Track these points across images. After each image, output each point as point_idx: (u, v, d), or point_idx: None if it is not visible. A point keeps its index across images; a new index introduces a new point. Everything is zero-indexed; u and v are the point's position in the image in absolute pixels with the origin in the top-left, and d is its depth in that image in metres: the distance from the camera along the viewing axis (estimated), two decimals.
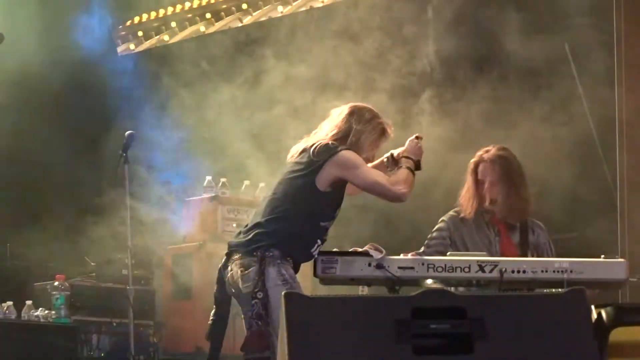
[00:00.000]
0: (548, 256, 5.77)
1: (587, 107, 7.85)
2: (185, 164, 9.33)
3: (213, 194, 9.03)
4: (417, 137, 5.52)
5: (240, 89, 8.99)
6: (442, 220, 5.88)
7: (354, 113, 5.45)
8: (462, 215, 5.82)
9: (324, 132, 5.45)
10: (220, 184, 9.09)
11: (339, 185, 5.37)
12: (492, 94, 8.13)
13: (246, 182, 9.12)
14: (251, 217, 5.51)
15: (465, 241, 5.76)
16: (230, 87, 8.97)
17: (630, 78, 7.40)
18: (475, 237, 5.78)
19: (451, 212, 5.89)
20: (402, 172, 5.39)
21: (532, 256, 5.73)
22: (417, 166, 5.45)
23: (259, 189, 8.68)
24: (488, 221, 5.82)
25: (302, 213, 5.31)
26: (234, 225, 8.79)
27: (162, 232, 8.99)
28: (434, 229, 5.87)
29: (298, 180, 5.33)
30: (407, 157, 5.45)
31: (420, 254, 5.55)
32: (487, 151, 5.85)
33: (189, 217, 9.06)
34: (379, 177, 5.35)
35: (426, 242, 5.83)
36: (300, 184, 5.32)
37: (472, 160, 5.86)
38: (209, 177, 9.11)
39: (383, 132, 5.48)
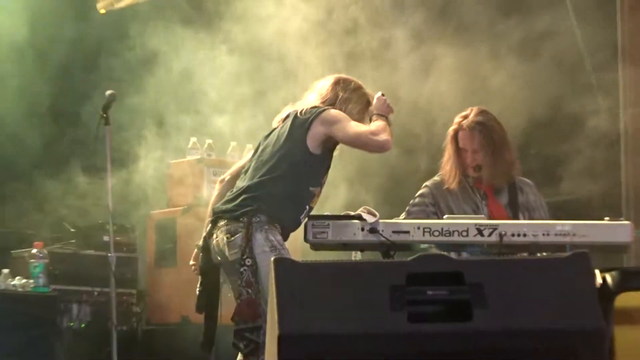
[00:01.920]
0: (540, 214, 5.69)
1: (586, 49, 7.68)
2: (169, 125, 9.23)
3: (198, 156, 9.00)
4: (382, 95, 5.48)
5: (226, 47, 8.86)
6: (425, 186, 5.78)
7: (339, 82, 5.49)
8: (445, 186, 5.72)
9: (308, 102, 5.44)
10: (206, 145, 9.05)
11: (328, 148, 5.36)
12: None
13: (233, 144, 9.05)
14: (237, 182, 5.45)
15: (451, 207, 5.65)
16: (216, 46, 8.84)
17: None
18: (461, 202, 5.67)
19: (435, 177, 5.79)
20: (379, 122, 5.35)
21: (524, 217, 5.65)
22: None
23: (246, 150, 8.55)
24: (472, 185, 5.71)
25: (291, 175, 5.27)
26: None
27: (144, 196, 8.93)
28: (417, 194, 5.77)
29: (287, 142, 5.31)
30: (378, 114, 5.39)
31: None
32: (465, 117, 5.68)
33: (173, 180, 9.00)
34: (362, 128, 5.31)
35: (407, 208, 5.74)
36: (289, 145, 5.31)
37: (451, 128, 5.71)
38: (194, 139, 9.06)
39: (368, 104, 5.49)
